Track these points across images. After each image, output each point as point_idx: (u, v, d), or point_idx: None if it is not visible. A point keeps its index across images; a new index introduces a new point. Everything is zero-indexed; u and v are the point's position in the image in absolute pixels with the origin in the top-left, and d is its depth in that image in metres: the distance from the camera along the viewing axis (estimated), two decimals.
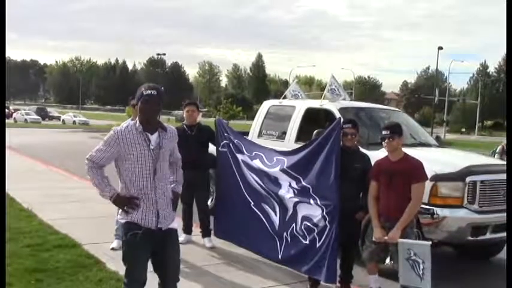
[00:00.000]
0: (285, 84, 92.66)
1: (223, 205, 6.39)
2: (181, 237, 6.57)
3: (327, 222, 4.90)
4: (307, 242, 5.11)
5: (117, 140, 3.41)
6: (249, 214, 5.82)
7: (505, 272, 4.63)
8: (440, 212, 5.50)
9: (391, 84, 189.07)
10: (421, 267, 4.31)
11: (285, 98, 8.38)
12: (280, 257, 5.45)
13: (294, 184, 5.31)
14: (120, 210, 3.51)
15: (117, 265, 5.38)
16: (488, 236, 5.80)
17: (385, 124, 4.89)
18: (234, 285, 5.19)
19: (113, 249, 6.04)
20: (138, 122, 3.46)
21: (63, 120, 59.60)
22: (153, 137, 3.46)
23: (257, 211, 5.74)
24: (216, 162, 6.45)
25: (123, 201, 3.45)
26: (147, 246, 3.46)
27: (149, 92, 3.40)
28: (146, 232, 3.43)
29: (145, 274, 3.48)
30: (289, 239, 5.35)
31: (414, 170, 4.55)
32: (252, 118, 9.32)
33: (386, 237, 4.55)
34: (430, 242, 4.46)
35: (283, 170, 5.43)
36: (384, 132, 4.65)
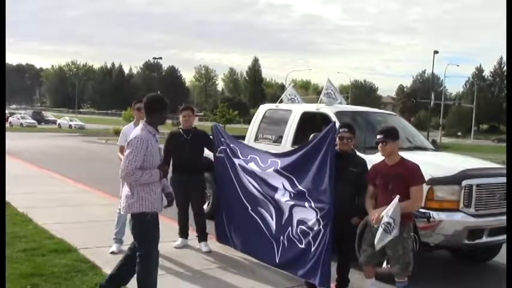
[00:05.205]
0: (281, 88, 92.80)
1: (222, 211, 6.41)
2: (178, 241, 6.55)
3: (321, 226, 4.90)
4: (303, 245, 5.10)
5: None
6: (247, 219, 5.82)
7: (502, 275, 4.63)
8: (436, 215, 5.49)
9: (387, 88, 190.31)
10: (392, 226, 4.33)
11: (281, 102, 8.38)
12: (277, 261, 5.44)
13: (289, 187, 5.31)
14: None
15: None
16: (484, 239, 5.80)
17: (379, 128, 4.88)
18: None
19: (112, 252, 6.02)
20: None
21: (59, 124, 59.47)
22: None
23: (255, 216, 5.74)
24: (214, 168, 6.51)
25: None
26: None
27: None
28: None
29: None
30: (286, 243, 5.34)
31: (411, 173, 4.54)
32: (249, 122, 9.32)
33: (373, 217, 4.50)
34: (398, 197, 4.39)
35: (277, 171, 5.44)
36: (377, 137, 4.64)
